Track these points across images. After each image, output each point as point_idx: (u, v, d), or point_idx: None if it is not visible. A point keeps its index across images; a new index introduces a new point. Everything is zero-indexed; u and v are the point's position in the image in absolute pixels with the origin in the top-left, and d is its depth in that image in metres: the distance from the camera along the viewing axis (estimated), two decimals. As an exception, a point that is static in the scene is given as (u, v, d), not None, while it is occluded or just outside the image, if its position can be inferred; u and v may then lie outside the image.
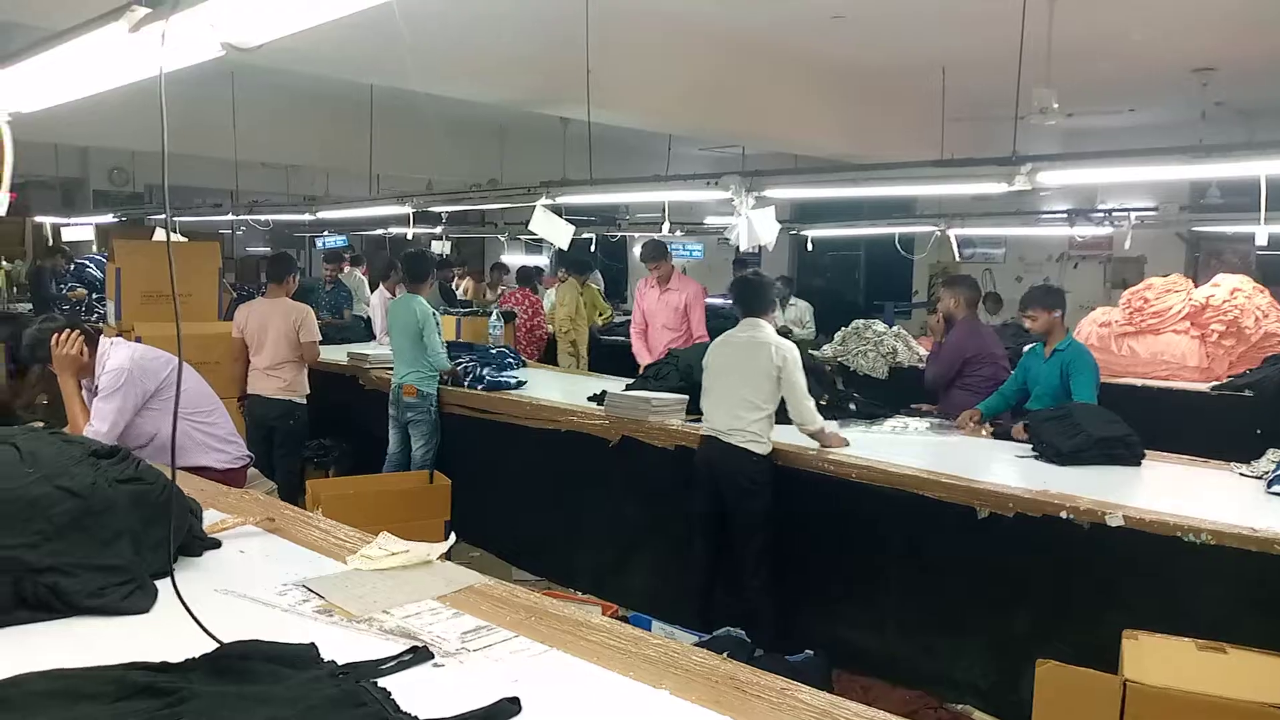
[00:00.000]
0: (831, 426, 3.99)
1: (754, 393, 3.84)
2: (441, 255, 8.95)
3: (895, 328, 7.50)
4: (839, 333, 7.50)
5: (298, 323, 5.44)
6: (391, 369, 5.69)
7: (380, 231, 11.52)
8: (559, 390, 5.58)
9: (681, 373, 4.61)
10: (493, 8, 5.23)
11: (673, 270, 6.36)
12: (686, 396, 4.43)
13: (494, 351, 6.24)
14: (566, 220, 5.29)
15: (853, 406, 4.68)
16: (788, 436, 3.99)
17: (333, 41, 3.48)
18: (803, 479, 3.87)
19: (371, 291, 8.66)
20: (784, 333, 8.37)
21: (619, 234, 10.80)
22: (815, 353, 7.01)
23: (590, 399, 5.01)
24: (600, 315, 9.03)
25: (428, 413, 5.43)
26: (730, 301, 4.13)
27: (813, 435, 3.86)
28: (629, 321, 7.22)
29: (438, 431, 5.45)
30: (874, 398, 5.00)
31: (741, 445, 3.85)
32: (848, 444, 3.92)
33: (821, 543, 3.93)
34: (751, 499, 3.85)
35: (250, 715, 1.29)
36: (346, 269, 9.31)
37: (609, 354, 8.56)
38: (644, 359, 6.16)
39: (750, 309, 4.02)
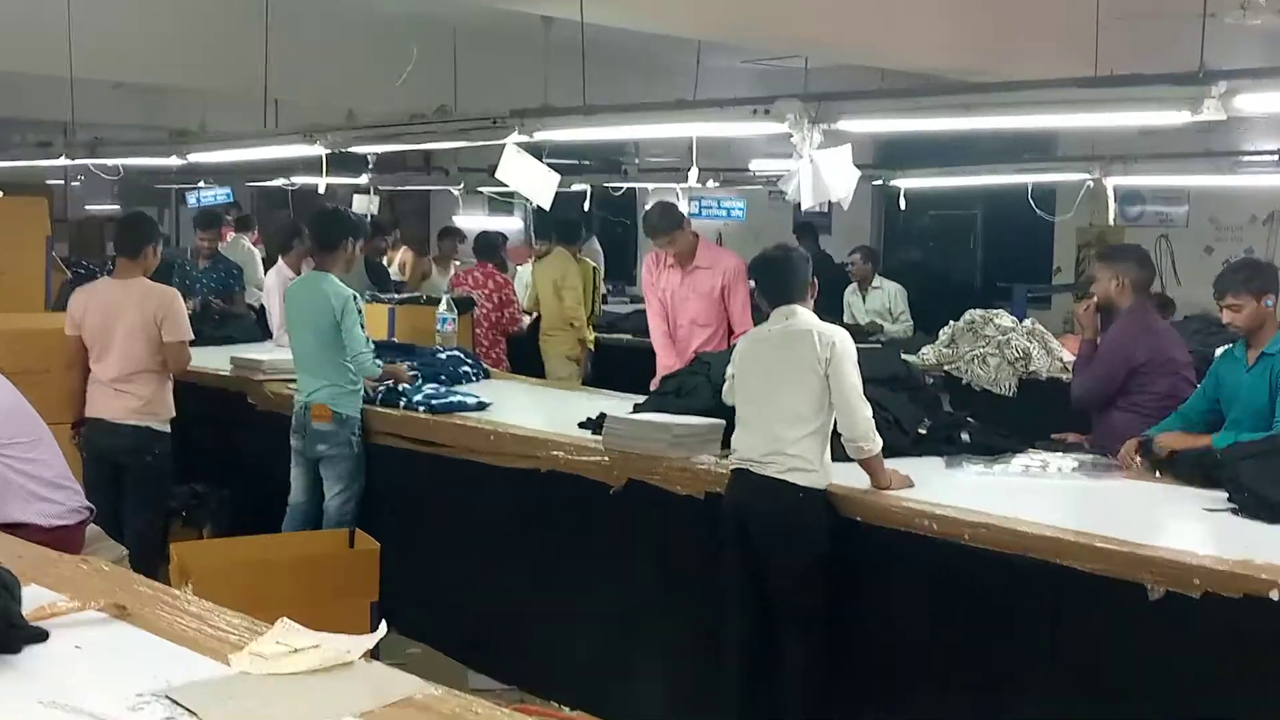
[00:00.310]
0: (893, 463, 4.07)
1: (795, 398, 3.97)
2: (368, 217, 9.10)
3: (1028, 322, 7.52)
4: (946, 329, 7.55)
5: (159, 315, 5.49)
6: (295, 381, 5.76)
7: (280, 182, 11.51)
8: (538, 412, 5.64)
9: (715, 386, 4.67)
10: None
11: (696, 242, 6.41)
12: (722, 421, 4.50)
13: (444, 357, 6.30)
14: (548, 166, 5.35)
15: (965, 436, 4.70)
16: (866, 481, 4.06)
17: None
18: (888, 542, 3.88)
19: (266, 270, 8.73)
20: (869, 330, 8.55)
21: (624, 185, 10.86)
22: (912, 358, 7.10)
23: (583, 425, 5.03)
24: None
25: (347, 445, 5.49)
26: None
27: (864, 462, 3.98)
28: (640, 314, 7.28)
29: (361, 472, 5.53)
30: (997, 422, 5.03)
31: (781, 477, 3.94)
32: (910, 484, 4.03)
33: (916, 634, 3.93)
34: (798, 549, 3.94)
35: None
36: (230, 236, 9.50)
37: (609, 358, 8.81)
38: (669, 363, 6.30)
39: (781, 294, 4.19)
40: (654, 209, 6.46)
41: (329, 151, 6.52)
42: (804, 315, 4.12)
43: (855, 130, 4.52)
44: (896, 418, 4.54)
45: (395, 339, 6.77)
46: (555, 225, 8.94)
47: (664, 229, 6.29)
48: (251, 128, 7.91)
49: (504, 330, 8.46)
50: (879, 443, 3.95)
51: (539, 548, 5.02)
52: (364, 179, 10.64)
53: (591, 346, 8.84)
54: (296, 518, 5.61)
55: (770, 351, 4.13)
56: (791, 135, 4.36)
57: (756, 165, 10.48)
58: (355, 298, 5.51)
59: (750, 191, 11.90)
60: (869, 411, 3.96)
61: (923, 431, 4.62)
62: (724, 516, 4.12)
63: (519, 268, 10.21)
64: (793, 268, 4.22)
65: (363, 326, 5.52)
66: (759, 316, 4.82)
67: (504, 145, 5.27)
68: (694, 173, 5.91)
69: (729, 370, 4.29)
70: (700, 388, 4.89)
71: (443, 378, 6.02)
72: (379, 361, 5.64)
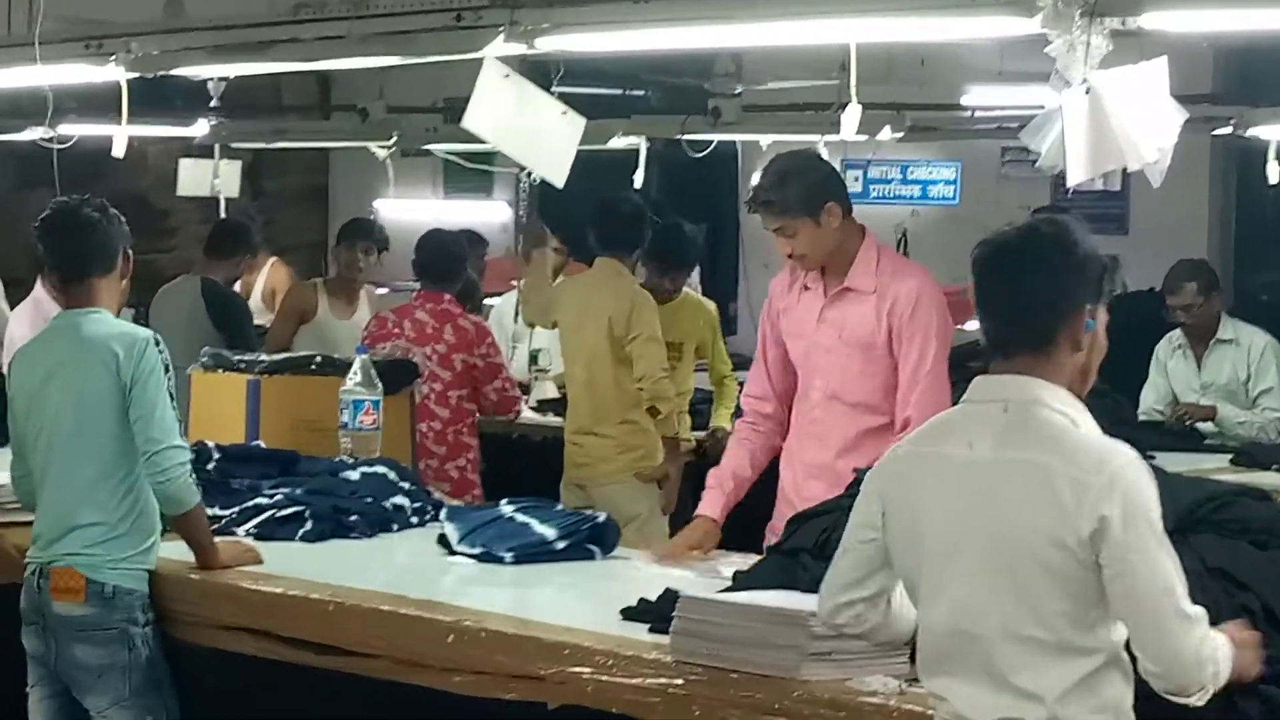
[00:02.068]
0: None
1: (1034, 612, 3.50)
2: (218, 200, 9.44)
3: None
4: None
5: None
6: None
7: (36, 136, 11.25)
8: (546, 585, 5.28)
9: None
10: None
11: (857, 244, 5.73)
12: (910, 614, 3.96)
13: (355, 476, 5.93)
14: (563, 101, 5.41)
15: None
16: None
17: None
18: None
19: (11, 304, 8.84)
20: (1182, 423, 8.19)
21: (715, 138, 10.20)
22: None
23: (631, 615, 4.60)
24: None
25: (122, 646, 5.09)
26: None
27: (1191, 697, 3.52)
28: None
29: (162, 701, 5.17)
30: None
31: None
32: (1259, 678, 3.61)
33: None
34: None
35: None
36: None
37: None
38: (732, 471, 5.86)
39: (1013, 334, 3.67)
40: (774, 165, 5.66)
41: (134, 75, 6.31)
42: (1044, 408, 3.50)
43: (1176, 30, 4.40)
44: (1265, 603, 3.95)
45: (260, 442, 6.16)
46: (598, 218, 8.02)
47: (783, 203, 5.50)
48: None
49: (472, 426, 7.73)
50: (1210, 670, 3.44)
51: None
52: (202, 128, 10.08)
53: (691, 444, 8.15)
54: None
55: (966, 491, 3.54)
56: (1048, 39, 4.20)
57: (977, 98, 10.04)
58: (157, 341, 5.15)
59: (964, 150, 11.25)
60: (1198, 635, 3.41)
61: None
62: None
63: (498, 300, 9.72)
64: (1051, 273, 3.57)
65: (174, 398, 5.17)
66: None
67: (483, 60, 5.16)
68: (853, 113, 5.70)
69: (871, 511, 3.69)
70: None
71: (353, 518, 5.54)
72: (193, 477, 5.15)
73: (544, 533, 5.45)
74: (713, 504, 5.71)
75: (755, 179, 6.02)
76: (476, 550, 5.36)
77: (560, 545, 5.39)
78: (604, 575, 5.28)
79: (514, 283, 10.07)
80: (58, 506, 5.14)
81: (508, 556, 5.27)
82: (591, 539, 5.46)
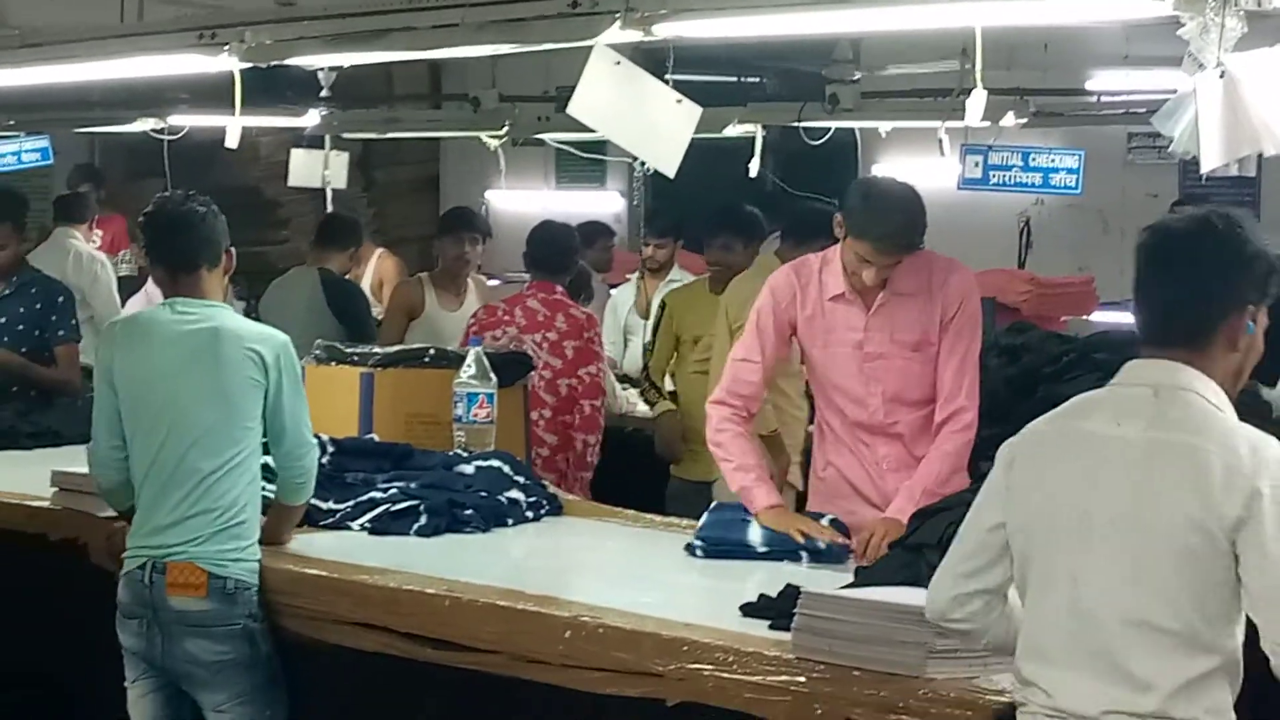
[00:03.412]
0: None
1: (1165, 599, 3.49)
2: (326, 192, 9.38)
3: None
4: None
5: None
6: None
7: (146, 128, 10.96)
8: (661, 583, 5.15)
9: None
10: None
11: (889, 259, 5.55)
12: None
13: (470, 470, 5.88)
14: (675, 89, 5.35)
15: None
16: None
17: None
18: None
19: (124, 295, 8.76)
20: None
21: (833, 125, 10.10)
22: None
23: (751, 612, 4.58)
24: None
25: (246, 643, 5.08)
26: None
27: None
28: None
29: (281, 690, 5.17)
30: None
31: None
32: None
33: None
34: None
35: None
36: (58, 230, 9.53)
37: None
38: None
39: (1174, 325, 3.63)
40: (898, 205, 5.50)
41: (246, 66, 6.19)
42: (1194, 395, 3.47)
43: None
44: None
45: (374, 435, 6.12)
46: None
47: (908, 239, 5.49)
48: (97, 21, 7.33)
49: (580, 418, 7.54)
50: None
51: None
52: (313, 119, 10.17)
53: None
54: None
55: (1109, 469, 3.51)
56: (1181, 22, 4.14)
57: (1102, 84, 10.09)
58: (288, 348, 5.23)
59: (1087, 137, 10.91)
60: None
61: None
62: None
63: (614, 292, 9.55)
64: (1216, 268, 3.53)
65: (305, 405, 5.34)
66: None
67: (592, 48, 5.10)
68: (978, 99, 5.43)
69: (997, 488, 3.67)
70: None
71: (468, 513, 5.51)
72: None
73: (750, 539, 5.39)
74: (772, 492, 5.65)
75: (875, 219, 5.79)
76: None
77: (762, 550, 5.35)
78: (723, 572, 5.23)
79: (628, 275, 10.02)
80: (176, 495, 5.10)
81: (699, 551, 5.30)
82: (807, 549, 5.35)
